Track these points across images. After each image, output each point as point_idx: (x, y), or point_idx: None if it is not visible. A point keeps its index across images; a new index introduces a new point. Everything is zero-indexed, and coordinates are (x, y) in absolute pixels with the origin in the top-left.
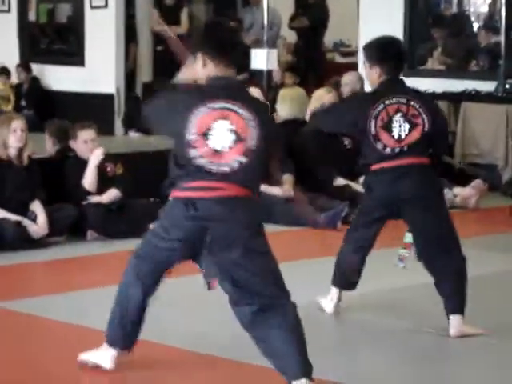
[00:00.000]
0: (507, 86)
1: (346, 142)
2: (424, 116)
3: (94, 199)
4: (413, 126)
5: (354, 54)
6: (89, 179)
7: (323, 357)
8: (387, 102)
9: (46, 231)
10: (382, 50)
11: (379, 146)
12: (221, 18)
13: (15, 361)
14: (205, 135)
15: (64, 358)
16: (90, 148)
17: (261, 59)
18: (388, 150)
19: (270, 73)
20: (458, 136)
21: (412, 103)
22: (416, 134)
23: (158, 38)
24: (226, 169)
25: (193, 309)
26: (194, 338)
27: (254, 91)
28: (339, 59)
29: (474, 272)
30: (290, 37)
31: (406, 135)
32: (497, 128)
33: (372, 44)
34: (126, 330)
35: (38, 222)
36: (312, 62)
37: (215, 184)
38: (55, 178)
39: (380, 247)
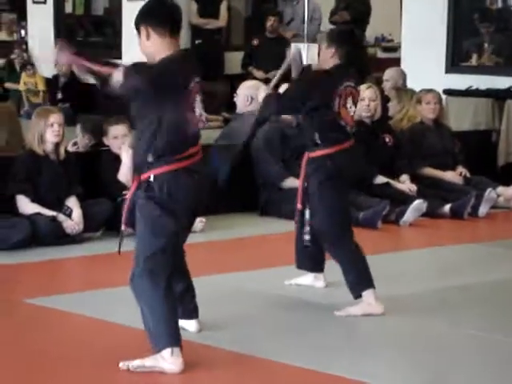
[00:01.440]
0: None
1: (387, 138)
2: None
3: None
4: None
5: (396, 49)
6: (124, 175)
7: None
8: (346, 84)
9: (81, 227)
10: (343, 35)
11: (342, 123)
12: None
13: (48, 357)
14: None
15: (97, 355)
16: (121, 143)
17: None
18: (348, 129)
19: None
20: (503, 134)
21: (358, 88)
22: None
23: (196, 32)
24: None
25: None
26: (210, 331)
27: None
28: (381, 54)
29: None
30: None
31: (353, 117)
32: None
33: (336, 29)
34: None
35: (74, 218)
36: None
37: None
38: (90, 174)
39: (426, 246)
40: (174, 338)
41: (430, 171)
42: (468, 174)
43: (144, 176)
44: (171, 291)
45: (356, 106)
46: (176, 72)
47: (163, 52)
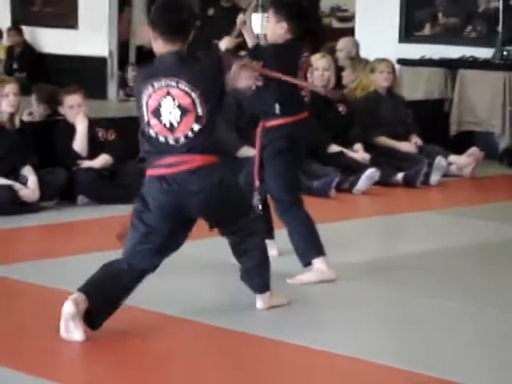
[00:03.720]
0: (505, 53)
1: (341, 108)
2: None
3: (85, 164)
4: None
5: (350, 18)
6: (79, 144)
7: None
8: (304, 55)
9: (37, 195)
10: (294, 8)
11: (303, 93)
12: None
13: (2, 326)
14: (156, 113)
15: (50, 325)
16: (76, 113)
17: (255, 24)
18: (306, 99)
19: (264, 37)
20: (455, 103)
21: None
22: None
23: (151, 1)
24: (183, 141)
25: (189, 275)
26: (191, 305)
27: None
28: (336, 24)
29: (469, 241)
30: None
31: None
32: (494, 95)
33: (281, 1)
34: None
35: (29, 186)
36: (308, 26)
37: (180, 158)
38: (46, 143)
39: (379, 214)
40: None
41: (385, 141)
42: (421, 143)
43: None
44: None
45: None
46: None
47: None
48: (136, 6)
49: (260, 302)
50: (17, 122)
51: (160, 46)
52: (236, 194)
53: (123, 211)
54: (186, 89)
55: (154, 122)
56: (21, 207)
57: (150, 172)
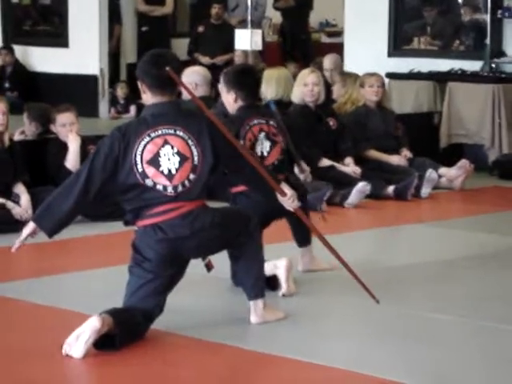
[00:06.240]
0: (493, 66)
1: (331, 122)
2: (281, 134)
3: None
4: (274, 144)
5: (340, 33)
6: (72, 162)
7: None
8: (252, 123)
9: (30, 213)
10: (240, 77)
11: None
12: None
13: None
14: (154, 162)
15: (45, 342)
16: (68, 131)
17: (245, 40)
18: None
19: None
20: (444, 116)
21: (271, 123)
22: (277, 152)
23: (142, 19)
24: (180, 190)
25: (183, 290)
26: (185, 320)
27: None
28: (325, 39)
29: (461, 253)
30: (277, 18)
31: (268, 153)
32: (483, 108)
33: (230, 70)
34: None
35: (21, 204)
36: (298, 42)
37: (170, 205)
38: (38, 161)
39: (370, 227)
40: None
41: (375, 154)
42: (411, 156)
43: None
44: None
45: (275, 141)
46: None
47: None
48: (126, 23)
49: (254, 316)
50: (6, 141)
51: (149, 98)
52: (230, 220)
53: (117, 228)
54: (184, 136)
55: (150, 170)
56: (14, 226)
57: (143, 223)
